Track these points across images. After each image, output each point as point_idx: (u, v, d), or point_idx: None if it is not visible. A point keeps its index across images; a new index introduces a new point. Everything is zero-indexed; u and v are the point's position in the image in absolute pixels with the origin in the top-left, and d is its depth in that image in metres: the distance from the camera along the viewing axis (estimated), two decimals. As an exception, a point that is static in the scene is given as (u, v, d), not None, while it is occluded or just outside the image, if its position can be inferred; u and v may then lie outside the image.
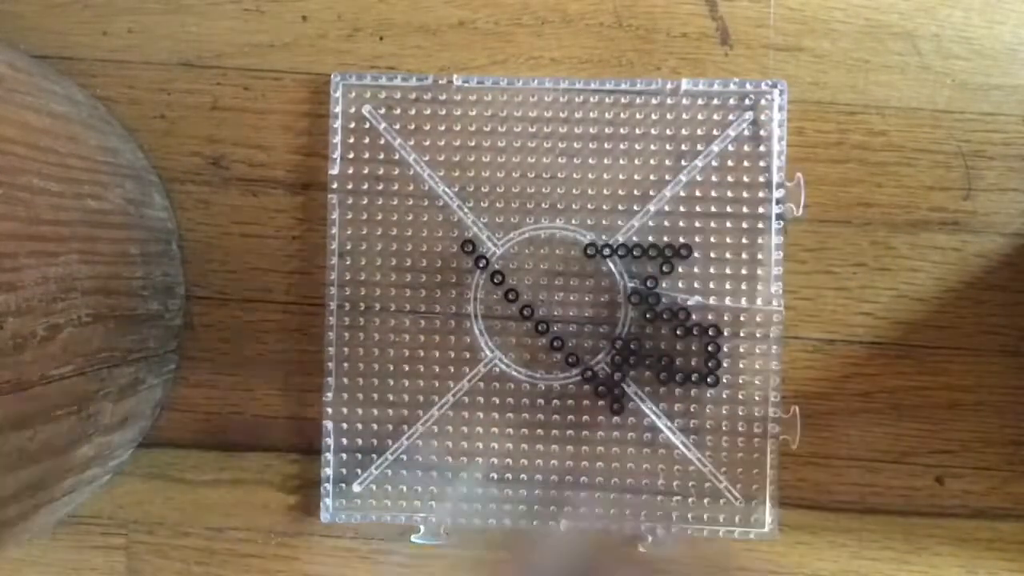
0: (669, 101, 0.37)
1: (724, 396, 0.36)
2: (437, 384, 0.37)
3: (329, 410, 0.37)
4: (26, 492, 0.30)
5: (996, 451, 0.37)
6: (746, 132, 0.37)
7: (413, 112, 0.37)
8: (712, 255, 0.37)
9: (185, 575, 0.38)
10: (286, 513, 0.38)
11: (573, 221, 0.37)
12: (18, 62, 0.33)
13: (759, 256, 0.36)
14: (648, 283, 0.36)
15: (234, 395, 0.38)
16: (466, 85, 0.37)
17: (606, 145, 0.37)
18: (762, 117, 0.37)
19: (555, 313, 0.37)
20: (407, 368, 0.37)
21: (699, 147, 0.37)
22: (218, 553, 0.38)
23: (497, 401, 0.37)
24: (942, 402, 0.37)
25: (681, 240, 0.37)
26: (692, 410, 0.36)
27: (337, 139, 0.37)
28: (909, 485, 0.37)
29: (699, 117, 0.37)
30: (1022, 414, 0.37)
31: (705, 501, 0.36)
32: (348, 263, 0.37)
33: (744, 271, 0.36)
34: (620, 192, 0.37)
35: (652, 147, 0.37)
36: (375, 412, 0.37)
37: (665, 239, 0.37)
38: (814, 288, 0.37)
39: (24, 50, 0.37)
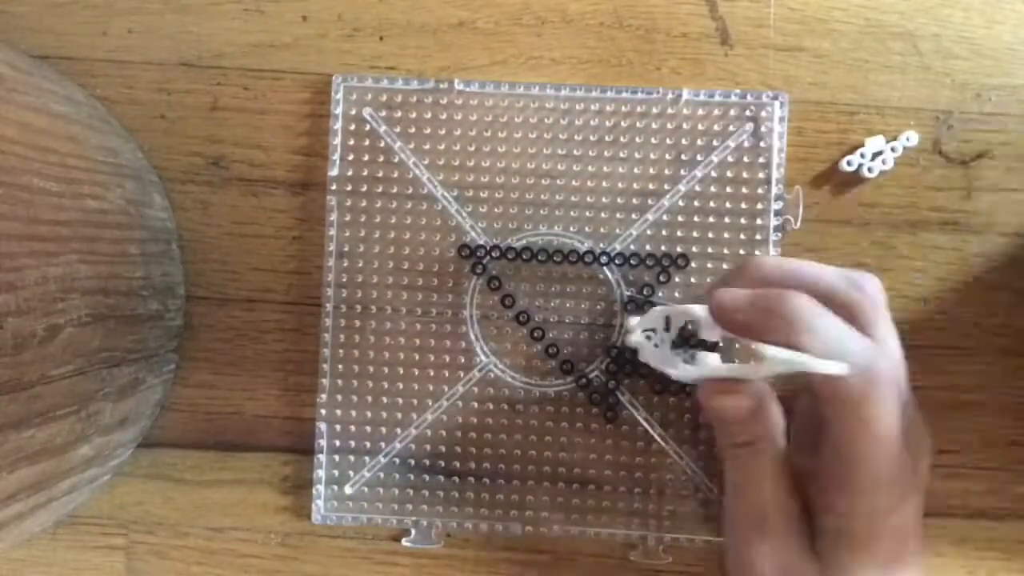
0: (670, 110, 0.37)
1: (718, 406, 0.36)
2: (431, 387, 0.37)
3: (323, 411, 0.37)
4: (26, 492, 0.30)
5: (996, 451, 0.37)
6: (746, 143, 0.37)
7: (413, 115, 0.37)
8: (709, 265, 0.37)
9: (185, 575, 0.38)
10: (286, 513, 0.38)
11: (571, 228, 0.37)
12: (18, 62, 0.33)
13: (756, 268, 0.36)
14: (644, 292, 0.36)
15: (234, 395, 0.38)
16: (467, 89, 0.37)
17: (606, 153, 0.37)
18: (762, 128, 0.37)
19: (551, 320, 0.37)
20: (402, 371, 0.37)
21: (699, 157, 0.37)
22: (217, 553, 0.38)
23: (491, 406, 0.37)
24: (942, 402, 0.37)
25: (679, 249, 0.37)
26: (685, 420, 0.36)
27: (337, 141, 0.37)
28: (909, 485, 0.37)
29: (699, 127, 0.37)
30: (1022, 414, 0.37)
31: (696, 510, 0.36)
32: (346, 264, 0.37)
33: (741, 282, 0.36)
34: (619, 200, 0.37)
35: (652, 156, 0.37)
36: (369, 414, 0.37)
37: (663, 248, 0.37)
38: (814, 288, 0.37)
39: (24, 50, 0.37)
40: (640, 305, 0.36)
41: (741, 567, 0.32)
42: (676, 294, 0.37)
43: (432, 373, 0.37)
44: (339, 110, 0.37)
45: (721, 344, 0.32)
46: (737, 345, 0.32)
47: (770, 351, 0.29)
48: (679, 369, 0.32)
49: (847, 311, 0.29)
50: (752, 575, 0.31)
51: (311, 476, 0.37)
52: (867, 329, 0.29)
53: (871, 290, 0.30)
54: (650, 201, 0.37)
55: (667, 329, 0.33)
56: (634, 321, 0.33)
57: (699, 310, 0.32)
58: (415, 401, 0.37)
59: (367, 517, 0.37)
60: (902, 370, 0.30)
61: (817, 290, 0.29)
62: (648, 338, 0.33)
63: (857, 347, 0.28)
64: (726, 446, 0.32)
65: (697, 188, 0.37)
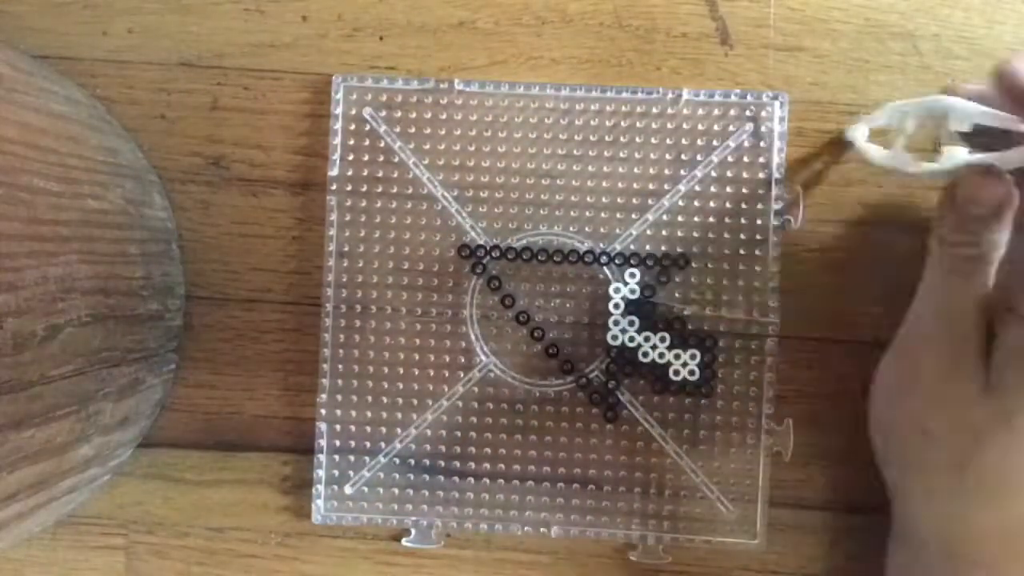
0: (670, 110, 0.37)
1: (718, 406, 0.36)
2: (432, 387, 0.37)
3: (323, 411, 0.37)
4: (26, 492, 0.30)
5: (996, 451, 0.37)
6: (746, 143, 0.37)
7: (414, 115, 0.37)
8: (709, 265, 0.36)
9: (185, 575, 0.38)
10: (286, 513, 0.38)
11: (571, 228, 0.37)
12: (18, 62, 0.33)
13: (756, 268, 0.36)
14: (645, 292, 0.36)
15: (234, 395, 0.38)
16: (467, 89, 0.37)
17: (606, 153, 0.37)
18: (762, 128, 0.37)
19: (551, 320, 0.37)
20: (402, 371, 0.37)
21: (699, 157, 0.37)
22: (218, 553, 0.38)
23: (491, 406, 0.37)
24: (942, 402, 0.37)
25: (679, 250, 0.37)
26: (685, 419, 0.36)
27: (337, 140, 0.37)
28: (909, 485, 0.37)
29: (699, 127, 0.37)
30: (1022, 414, 0.37)
31: (696, 510, 0.36)
32: (346, 264, 0.37)
33: (741, 282, 0.36)
34: (619, 200, 0.37)
35: (652, 156, 0.37)
36: (369, 414, 0.37)
37: (663, 248, 0.37)
38: (814, 288, 0.37)
39: (24, 50, 0.37)
40: (640, 306, 0.36)
41: (906, 374, 0.32)
42: (676, 294, 0.37)
43: (432, 373, 0.37)
44: (339, 110, 0.37)
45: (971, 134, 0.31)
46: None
47: None
48: (918, 167, 0.31)
49: None
50: (913, 385, 0.31)
51: (311, 476, 0.37)
52: None
53: None
54: (650, 201, 0.37)
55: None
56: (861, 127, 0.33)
57: (950, 99, 0.31)
58: (415, 401, 0.37)
59: (367, 517, 0.37)
60: None
61: None
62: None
63: None
64: (952, 241, 0.31)
65: (697, 188, 0.37)
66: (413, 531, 0.37)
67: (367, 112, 0.37)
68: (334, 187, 0.37)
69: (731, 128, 0.37)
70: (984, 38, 0.37)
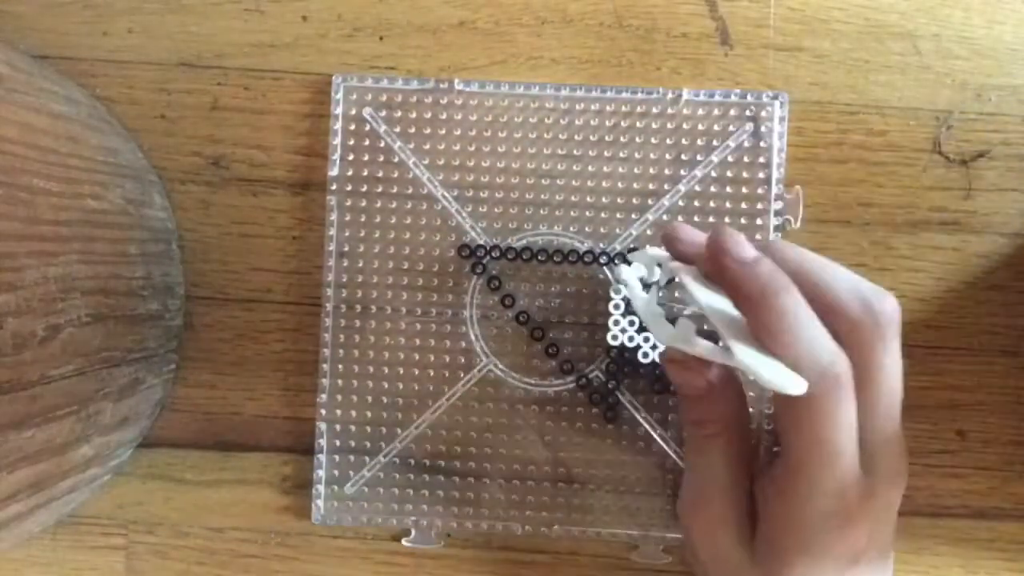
0: (670, 110, 0.37)
1: (718, 407, 0.36)
2: (432, 387, 0.37)
3: (323, 411, 0.37)
4: (26, 492, 0.30)
5: (996, 451, 0.37)
6: (746, 143, 0.37)
7: (414, 115, 0.37)
8: (709, 265, 0.36)
9: (185, 575, 0.38)
10: (286, 513, 0.38)
11: (571, 228, 0.37)
12: (18, 62, 0.33)
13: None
14: (645, 291, 0.36)
15: (234, 395, 0.38)
16: (467, 89, 0.37)
17: (606, 153, 0.37)
18: (762, 128, 0.37)
19: (551, 320, 0.37)
20: (402, 371, 0.37)
21: (699, 157, 0.37)
22: (218, 553, 0.38)
23: (491, 406, 0.37)
24: (942, 402, 0.37)
25: (679, 249, 0.37)
26: (686, 419, 0.37)
27: (337, 140, 0.37)
28: (909, 485, 0.37)
29: (699, 127, 0.37)
30: (1022, 414, 0.37)
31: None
32: (346, 264, 0.37)
33: (741, 281, 0.36)
34: (619, 200, 0.37)
35: (652, 156, 0.37)
36: (369, 414, 0.37)
37: (663, 248, 0.37)
38: (814, 288, 0.37)
39: (24, 50, 0.37)
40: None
41: (687, 542, 0.33)
42: (676, 294, 0.37)
43: (432, 373, 0.37)
44: (339, 110, 0.37)
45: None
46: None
47: (739, 352, 0.27)
48: (658, 327, 0.31)
49: (847, 326, 0.28)
50: (692, 553, 0.32)
51: (311, 476, 0.37)
52: (862, 348, 0.28)
53: (884, 312, 0.28)
54: (650, 201, 0.37)
55: (662, 284, 0.33)
56: (627, 268, 0.33)
57: (649, 249, 0.31)
58: (415, 401, 0.37)
59: (367, 517, 0.37)
60: (886, 392, 0.28)
61: (823, 298, 0.28)
62: (642, 282, 0.32)
63: (827, 357, 0.27)
64: (683, 420, 0.33)
65: (697, 188, 0.37)
66: (413, 531, 0.37)
67: (367, 112, 0.37)
68: (334, 187, 0.37)
69: (731, 128, 0.37)
70: (984, 38, 0.37)
